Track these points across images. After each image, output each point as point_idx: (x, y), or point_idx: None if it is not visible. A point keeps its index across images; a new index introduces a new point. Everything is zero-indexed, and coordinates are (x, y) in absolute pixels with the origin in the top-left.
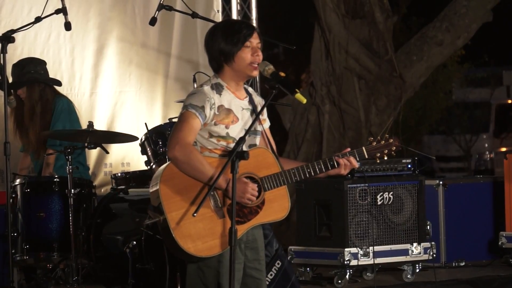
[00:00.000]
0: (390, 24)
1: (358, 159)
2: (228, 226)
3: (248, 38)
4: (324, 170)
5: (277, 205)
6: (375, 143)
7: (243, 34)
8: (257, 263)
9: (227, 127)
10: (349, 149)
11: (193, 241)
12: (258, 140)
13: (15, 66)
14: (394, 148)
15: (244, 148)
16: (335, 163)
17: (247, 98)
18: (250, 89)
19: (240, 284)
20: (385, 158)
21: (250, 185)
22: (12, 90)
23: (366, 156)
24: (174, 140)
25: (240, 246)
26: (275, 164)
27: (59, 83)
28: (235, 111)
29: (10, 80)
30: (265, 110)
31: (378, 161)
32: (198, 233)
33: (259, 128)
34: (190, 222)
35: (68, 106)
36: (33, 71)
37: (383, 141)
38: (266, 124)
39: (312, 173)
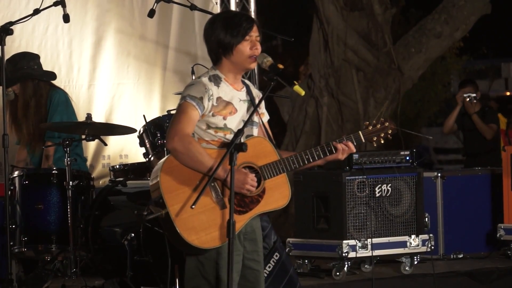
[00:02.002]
0: (388, 16)
1: (355, 143)
2: None
3: (248, 32)
4: (322, 156)
5: (278, 193)
6: (371, 127)
7: (243, 28)
8: (256, 255)
9: (224, 118)
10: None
11: (197, 233)
12: (255, 131)
13: (8, 61)
14: (390, 131)
15: (242, 139)
16: (333, 148)
17: (244, 89)
18: (247, 82)
19: (239, 276)
20: (382, 141)
21: (250, 176)
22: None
23: (363, 140)
24: (173, 132)
25: (239, 237)
26: (273, 153)
27: (53, 77)
28: (233, 102)
29: None
30: (263, 104)
31: (375, 145)
32: (201, 225)
33: (256, 119)
34: (193, 214)
35: (65, 99)
36: (26, 66)
37: (379, 125)
38: (265, 117)
39: (311, 159)
